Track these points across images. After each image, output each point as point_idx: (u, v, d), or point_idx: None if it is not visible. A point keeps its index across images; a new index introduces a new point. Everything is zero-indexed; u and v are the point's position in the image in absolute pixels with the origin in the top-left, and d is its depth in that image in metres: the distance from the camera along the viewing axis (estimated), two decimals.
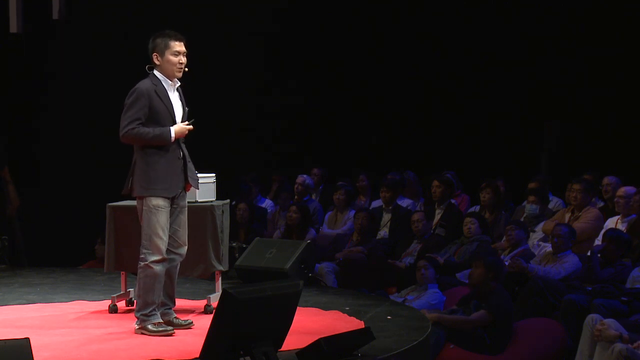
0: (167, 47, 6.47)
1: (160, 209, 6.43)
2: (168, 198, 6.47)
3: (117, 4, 13.05)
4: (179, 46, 6.49)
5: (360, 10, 12.91)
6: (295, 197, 11.73)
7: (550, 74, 12.04)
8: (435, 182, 10.47)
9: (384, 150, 12.79)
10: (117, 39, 12.58)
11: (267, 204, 12.16)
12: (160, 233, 6.43)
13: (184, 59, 6.51)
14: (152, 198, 6.42)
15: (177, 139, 6.51)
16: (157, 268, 6.45)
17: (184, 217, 6.62)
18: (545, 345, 7.89)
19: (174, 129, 6.44)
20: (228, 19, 13.18)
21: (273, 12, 13.21)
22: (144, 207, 6.44)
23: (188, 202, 6.86)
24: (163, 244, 6.45)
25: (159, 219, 6.42)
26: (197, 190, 7.20)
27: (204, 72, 12.30)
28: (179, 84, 6.60)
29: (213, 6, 13.06)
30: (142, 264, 6.46)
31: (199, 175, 7.22)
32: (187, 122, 6.53)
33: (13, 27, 10.26)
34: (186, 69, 6.53)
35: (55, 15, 10.32)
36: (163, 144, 6.43)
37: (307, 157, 12.98)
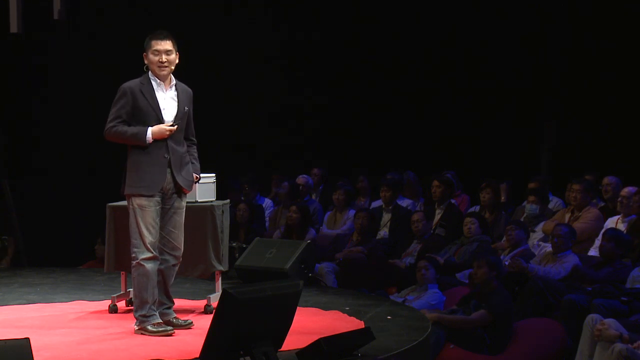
0: (149, 46, 6.51)
1: (143, 208, 6.43)
2: (151, 197, 6.46)
3: (117, 3, 13.05)
4: (157, 45, 6.47)
5: (359, 8, 12.91)
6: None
7: (550, 74, 12.03)
8: (435, 182, 10.47)
9: (384, 150, 12.78)
10: (117, 38, 12.58)
11: (267, 203, 12.16)
12: (145, 232, 6.42)
13: (164, 57, 6.46)
14: (135, 197, 6.45)
15: (167, 139, 6.50)
16: (149, 265, 6.45)
17: (180, 219, 6.60)
18: (545, 345, 7.89)
19: (151, 130, 6.42)
20: (229, 18, 13.18)
21: (274, 11, 13.21)
22: (130, 206, 6.49)
23: (188, 202, 6.84)
24: (150, 242, 6.44)
25: (144, 217, 6.42)
26: (197, 190, 7.20)
27: (204, 72, 12.35)
28: (175, 81, 6.58)
29: (214, 6, 13.06)
30: (134, 262, 6.47)
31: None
32: (169, 123, 6.48)
33: (13, 27, 10.25)
34: (172, 67, 6.51)
35: (55, 15, 10.31)
36: (139, 144, 6.43)
37: (307, 157, 12.98)
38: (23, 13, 10.23)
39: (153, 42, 6.50)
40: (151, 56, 6.49)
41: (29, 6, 10.46)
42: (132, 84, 6.49)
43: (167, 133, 6.46)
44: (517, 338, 7.93)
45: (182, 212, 6.62)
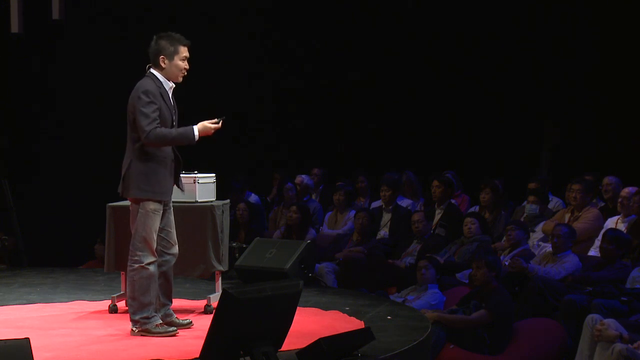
0: (176, 52, 6.44)
1: (156, 212, 6.42)
2: (162, 202, 6.46)
3: (117, 3, 13.05)
4: (186, 51, 6.48)
5: (361, 7, 12.91)
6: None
7: (551, 74, 12.03)
8: (435, 182, 10.47)
9: (384, 150, 12.79)
10: (117, 38, 12.59)
11: (253, 198, 12.15)
12: (154, 236, 6.44)
13: (187, 65, 6.51)
14: (150, 202, 6.40)
15: None
16: (152, 269, 6.45)
17: (172, 218, 6.61)
18: (545, 345, 7.89)
19: (197, 128, 6.39)
20: (228, 20, 13.18)
21: (273, 12, 13.22)
22: (140, 210, 6.42)
23: (188, 202, 6.87)
24: (155, 246, 6.46)
25: (154, 222, 6.41)
26: (197, 190, 7.21)
27: (201, 72, 12.35)
28: (174, 86, 6.57)
29: (213, 6, 13.06)
30: (136, 265, 6.43)
31: (199, 175, 7.25)
32: (214, 120, 6.45)
33: (14, 27, 10.26)
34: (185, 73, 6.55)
35: (55, 15, 10.31)
36: (187, 144, 6.39)
37: (307, 157, 12.99)
38: (23, 13, 10.24)
39: (182, 49, 6.45)
40: (179, 62, 6.44)
41: (29, 6, 10.46)
42: (153, 86, 6.39)
43: (212, 131, 6.43)
44: (517, 338, 7.93)
45: (172, 210, 6.62)
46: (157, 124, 6.30)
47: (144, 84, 6.39)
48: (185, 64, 6.48)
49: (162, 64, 6.45)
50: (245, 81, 13.25)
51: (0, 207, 11.50)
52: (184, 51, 6.46)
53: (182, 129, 6.37)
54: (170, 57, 6.44)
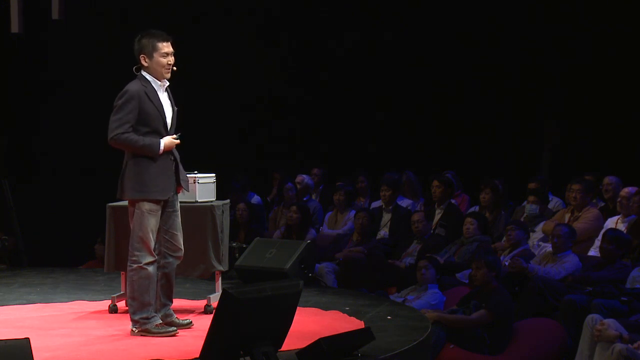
0: (155, 49, 6.42)
1: (152, 212, 6.41)
2: (160, 202, 6.46)
3: (117, 3, 13.05)
4: (166, 47, 6.43)
5: (361, 8, 12.91)
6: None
7: (551, 74, 12.03)
8: (435, 182, 10.47)
9: (383, 150, 12.78)
10: (117, 38, 12.57)
11: (255, 199, 12.15)
12: (151, 236, 6.43)
13: (172, 60, 6.46)
14: (145, 202, 6.40)
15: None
16: (151, 269, 6.46)
17: (179, 220, 6.61)
18: (545, 345, 7.89)
19: (163, 142, 6.41)
20: (227, 22, 13.18)
21: (272, 15, 13.22)
22: (136, 210, 6.42)
23: (188, 202, 6.85)
24: (153, 246, 6.46)
25: (150, 222, 6.41)
26: (197, 190, 7.21)
27: (201, 72, 12.36)
28: (168, 84, 6.55)
29: (214, 6, 13.05)
30: (134, 266, 6.44)
31: (199, 175, 7.24)
32: (174, 136, 6.49)
33: (14, 27, 10.26)
34: (174, 68, 6.49)
35: (55, 15, 10.31)
36: (150, 155, 6.40)
37: (307, 156, 12.98)
38: (23, 13, 10.24)
39: (160, 45, 6.41)
40: (160, 59, 6.41)
41: (29, 6, 10.46)
42: (136, 86, 6.39)
43: (174, 145, 6.48)
44: (517, 338, 7.93)
45: (179, 214, 6.62)
46: (128, 127, 6.32)
47: (128, 85, 6.42)
48: (167, 60, 6.43)
49: (144, 63, 6.44)
50: (246, 81, 13.24)
51: (0, 207, 11.50)
52: (163, 47, 6.42)
53: (149, 141, 6.36)
54: (150, 55, 6.42)
